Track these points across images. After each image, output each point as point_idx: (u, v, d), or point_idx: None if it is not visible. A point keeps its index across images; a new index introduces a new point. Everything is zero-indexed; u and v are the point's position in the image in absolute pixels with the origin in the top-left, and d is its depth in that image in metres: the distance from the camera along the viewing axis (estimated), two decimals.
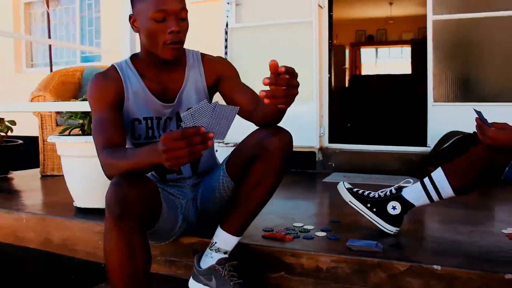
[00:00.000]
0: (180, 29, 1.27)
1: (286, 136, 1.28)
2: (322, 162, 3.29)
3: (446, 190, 1.50)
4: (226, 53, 3.33)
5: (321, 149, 3.31)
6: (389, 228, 1.59)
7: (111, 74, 1.36)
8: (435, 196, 1.52)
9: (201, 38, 3.30)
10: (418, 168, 2.95)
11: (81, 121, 1.91)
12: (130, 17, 1.34)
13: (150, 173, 1.42)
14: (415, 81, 5.44)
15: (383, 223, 1.60)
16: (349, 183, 1.73)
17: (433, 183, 1.52)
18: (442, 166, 1.54)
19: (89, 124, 1.86)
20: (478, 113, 1.29)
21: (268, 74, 0.99)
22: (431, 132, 3.07)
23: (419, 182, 1.57)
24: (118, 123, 1.30)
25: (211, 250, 1.40)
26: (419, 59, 6.54)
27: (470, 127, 2.70)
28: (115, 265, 1.11)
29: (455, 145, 2.81)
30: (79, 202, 1.90)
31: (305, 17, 3.21)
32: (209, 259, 1.40)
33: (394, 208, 1.59)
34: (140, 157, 1.10)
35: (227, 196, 1.42)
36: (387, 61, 8.46)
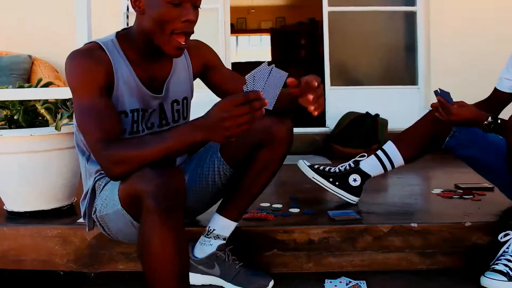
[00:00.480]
0: (193, 23, 1.12)
1: (290, 125, 1.31)
2: None
3: (398, 160, 1.72)
4: None
5: None
6: (352, 199, 1.76)
7: (98, 54, 1.15)
8: (388, 166, 1.74)
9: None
10: (323, 147, 3.27)
11: (6, 112, 1.61)
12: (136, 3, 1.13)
13: None
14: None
15: (347, 194, 1.76)
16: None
17: (386, 154, 1.74)
18: (392, 139, 1.77)
19: (24, 115, 1.58)
20: (444, 93, 1.51)
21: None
22: (330, 113, 3.39)
23: (373, 155, 1.78)
24: (114, 112, 1.14)
25: (209, 237, 1.37)
26: (278, 46, 7.16)
27: (362, 108, 3.22)
28: (165, 263, 1.00)
29: (352, 124, 3.20)
30: (13, 206, 1.61)
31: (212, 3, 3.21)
32: (207, 247, 1.36)
33: (354, 180, 1.76)
34: (175, 139, 1.00)
35: (222, 184, 1.37)
36: (247, 48, 8.80)
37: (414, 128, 1.74)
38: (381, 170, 1.76)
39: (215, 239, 1.36)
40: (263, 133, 1.27)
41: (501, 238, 1.41)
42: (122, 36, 1.22)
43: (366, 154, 1.82)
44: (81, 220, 1.50)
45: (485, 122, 1.46)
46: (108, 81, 1.15)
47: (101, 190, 1.24)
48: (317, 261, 1.49)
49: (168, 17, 1.08)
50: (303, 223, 1.51)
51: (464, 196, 1.86)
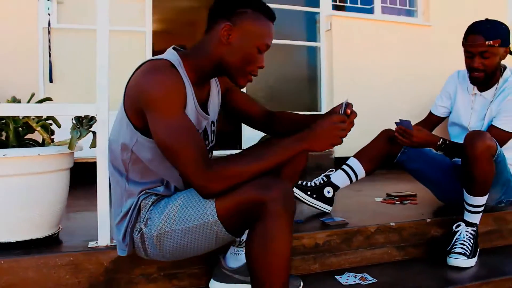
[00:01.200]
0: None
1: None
2: None
3: (361, 173, 2.06)
4: (50, 55, 2.90)
5: None
6: (327, 208, 2.02)
7: (175, 73, 1.18)
8: (353, 178, 2.06)
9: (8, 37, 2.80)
10: None
11: None
12: (225, 25, 1.21)
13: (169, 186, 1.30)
14: None
15: (323, 204, 2.01)
16: None
17: (351, 168, 2.06)
18: (354, 155, 2.09)
19: (15, 135, 1.42)
20: (405, 122, 1.87)
21: None
22: (245, 137, 3.63)
23: (340, 169, 2.08)
24: (201, 137, 1.22)
25: (242, 247, 1.45)
26: None
27: None
28: (285, 261, 1.13)
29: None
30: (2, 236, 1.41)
31: (139, 26, 3.21)
32: (241, 256, 1.44)
33: (328, 192, 2.03)
34: (283, 150, 1.15)
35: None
36: None
37: (371, 145, 2.09)
38: (348, 182, 2.06)
39: (243, 247, 1.45)
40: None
41: (455, 228, 1.84)
42: (185, 56, 1.26)
43: (334, 169, 2.11)
44: (100, 243, 1.43)
45: (438, 143, 1.89)
46: (184, 103, 1.20)
47: (148, 209, 1.24)
48: (322, 262, 1.69)
49: (253, 59, 1.24)
50: (311, 230, 1.70)
51: (403, 202, 2.28)
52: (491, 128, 1.88)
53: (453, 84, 2.16)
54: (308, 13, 3.95)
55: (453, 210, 1.97)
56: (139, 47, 3.19)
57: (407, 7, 4.22)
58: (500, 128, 1.86)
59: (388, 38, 3.92)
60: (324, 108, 3.88)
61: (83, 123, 1.41)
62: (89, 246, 1.43)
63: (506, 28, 1.91)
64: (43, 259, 1.35)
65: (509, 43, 1.92)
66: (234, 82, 1.28)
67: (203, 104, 1.34)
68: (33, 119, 1.45)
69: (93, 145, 1.42)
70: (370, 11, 4.05)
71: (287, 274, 1.13)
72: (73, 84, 2.98)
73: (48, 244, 1.46)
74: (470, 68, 1.95)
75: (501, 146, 1.80)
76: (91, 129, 1.44)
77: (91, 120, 1.42)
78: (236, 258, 1.45)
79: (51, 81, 2.90)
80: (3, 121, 1.43)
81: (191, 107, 1.24)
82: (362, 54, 3.81)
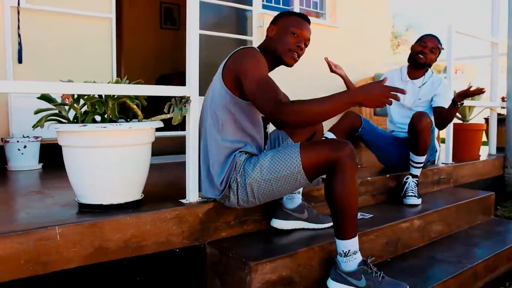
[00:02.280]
0: (302, 50, 1.85)
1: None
2: None
3: None
4: (19, 36, 2.87)
5: None
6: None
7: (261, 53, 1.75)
8: None
9: None
10: None
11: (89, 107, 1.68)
12: (270, 26, 1.83)
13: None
14: None
15: None
16: None
17: None
18: (328, 130, 2.77)
19: (113, 111, 1.68)
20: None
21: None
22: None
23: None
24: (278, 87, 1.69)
25: (293, 193, 2.00)
26: None
27: None
28: (356, 198, 1.66)
29: None
30: (99, 199, 1.68)
31: (104, 12, 3.34)
32: (296, 200, 2.00)
33: None
34: (342, 99, 1.51)
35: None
36: None
37: (341, 121, 2.79)
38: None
39: (298, 194, 2.01)
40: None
41: (405, 179, 2.65)
42: (262, 50, 1.82)
43: None
44: (192, 200, 1.82)
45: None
46: None
47: (242, 164, 1.72)
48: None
49: (289, 40, 1.82)
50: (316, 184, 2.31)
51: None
52: (436, 107, 2.77)
53: (394, 75, 2.99)
54: (241, 10, 4.48)
55: (392, 170, 2.80)
56: (104, 32, 3.33)
57: (318, 10, 5.08)
58: (442, 106, 2.75)
59: None
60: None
61: (178, 102, 1.76)
62: (184, 202, 1.81)
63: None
64: (157, 214, 1.69)
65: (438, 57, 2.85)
66: (284, 62, 1.84)
67: None
68: (129, 98, 1.74)
69: (175, 121, 1.78)
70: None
71: (357, 205, 1.69)
72: (41, 65, 3.01)
73: (142, 205, 1.78)
74: (418, 51, 2.80)
75: (441, 119, 2.70)
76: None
77: (182, 99, 1.78)
78: (292, 202, 1.99)
79: (20, 62, 2.89)
80: (101, 99, 1.69)
81: None
82: None
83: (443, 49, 2.85)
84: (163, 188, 2.25)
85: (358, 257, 1.70)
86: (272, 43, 1.84)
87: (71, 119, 1.72)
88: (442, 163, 3.24)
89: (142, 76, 3.34)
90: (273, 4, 4.66)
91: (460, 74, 17.34)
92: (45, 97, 1.70)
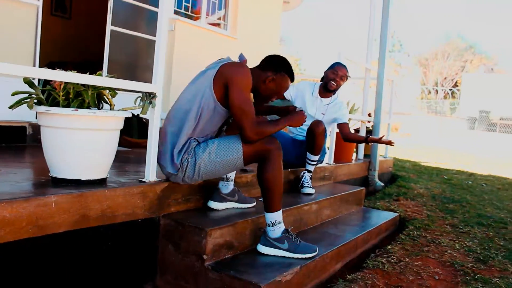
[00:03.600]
0: None
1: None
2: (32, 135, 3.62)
3: None
4: None
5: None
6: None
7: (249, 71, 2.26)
8: None
9: None
10: None
11: (61, 96, 2.00)
12: (269, 75, 2.35)
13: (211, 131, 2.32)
14: None
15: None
16: None
17: None
18: None
19: (93, 99, 2.02)
20: None
21: None
22: None
23: None
24: None
25: (228, 181, 2.55)
26: None
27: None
28: (282, 178, 2.25)
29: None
30: (74, 174, 2.00)
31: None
32: (230, 186, 2.55)
33: None
34: (282, 123, 2.29)
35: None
36: None
37: None
38: None
39: (231, 181, 2.56)
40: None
41: (302, 174, 3.39)
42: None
43: None
44: (151, 179, 2.24)
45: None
46: None
47: (193, 148, 2.22)
48: (249, 191, 2.91)
49: (273, 96, 2.48)
50: (243, 173, 2.89)
51: None
52: (341, 124, 3.58)
53: (304, 87, 3.70)
54: (155, 13, 4.85)
55: (291, 166, 3.53)
56: (28, 20, 3.44)
57: (222, 21, 5.68)
58: (345, 122, 3.56)
59: (210, 43, 5.28)
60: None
61: (146, 97, 2.18)
62: (144, 180, 2.22)
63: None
64: (128, 189, 2.08)
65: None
66: (261, 98, 2.46)
67: None
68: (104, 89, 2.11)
69: (145, 112, 2.21)
70: (198, 19, 5.30)
71: (282, 184, 2.30)
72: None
73: (111, 181, 2.15)
74: (332, 79, 3.53)
75: (348, 131, 3.51)
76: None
77: (150, 94, 2.20)
78: (227, 188, 2.53)
79: None
80: (85, 89, 2.04)
81: None
82: (194, 53, 5.03)
83: (350, 77, 3.65)
84: (124, 168, 2.59)
85: (282, 226, 2.31)
86: (261, 86, 2.37)
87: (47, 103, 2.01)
88: (327, 163, 4.09)
89: (30, 60, 3.48)
90: (182, 10, 5.12)
91: None
92: (28, 82, 1.97)
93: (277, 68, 2.37)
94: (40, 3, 3.50)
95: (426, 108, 24.30)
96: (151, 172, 2.25)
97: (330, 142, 4.17)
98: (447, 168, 7.92)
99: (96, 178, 2.06)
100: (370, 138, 3.60)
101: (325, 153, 3.72)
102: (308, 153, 3.38)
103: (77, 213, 1.87)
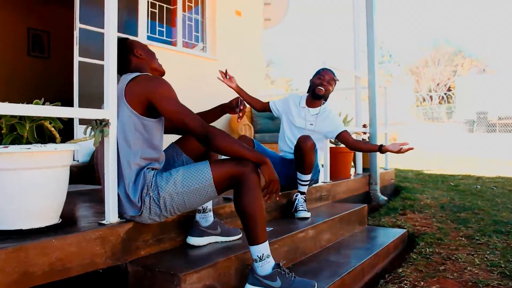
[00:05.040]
0: None
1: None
2: None
3: None
4: None
5: None
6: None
7: None
8: None
9: None
10: (83, 176, 3.83)
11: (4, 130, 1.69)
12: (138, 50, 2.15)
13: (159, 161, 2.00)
14: None
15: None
16: None
17: None
18: None
19: (31, 133, 1.71)
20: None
21: None
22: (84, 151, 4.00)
23: None
24: None
25: (206, 212, 2.22)
26: None
27: None
28: (262, 205, 1.92)
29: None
30: (7, 224, 1.67)
31: None
32: (209, 218, 2.22)
33: None
34: (251, 153, 1.92)
35: None
36: None
37: None
38: None
39: (210, 212, 2.23)
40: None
41: (295, 197, 3.05)
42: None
43: None
44: (112, 220, 1.91)
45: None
46: None
47: (151, 180, 1.90)
48: (234, 222, 2.57)
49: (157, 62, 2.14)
50: (226, 202, 2.56)
51: None
52: (341, 134, 3.26)
53: (292, 99, 3.42)
54: None
55: (282, 189, 3.19)
56: None
57: (200, 43, 5.44)
58: (343, 130, 3.25)
59: (189, 66, 5.02)
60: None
61: (96, 125, 1.87)
62: (104, 223, 1.89)
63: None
64: (82, 235, 1.75)
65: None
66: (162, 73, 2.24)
67: None
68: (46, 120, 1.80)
69: (96, 143, 1.89)
70: (172, 43, 5.05)
71: (264, 211, 1.95)
72: None
73: (63, 227, 1.82)
74: (319, 84, 3.26)
75: (352, 139, 3.21)
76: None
77: (101, 122, 1.89)
78: (206, 220, 2.20)
79: None
80: (20, 121, 1.73)
81: None
82: (171, 78, 4.74)
83: (338, 80, 3.37)
84: (82, 210, 2.26)
85: (271, 261, 1.97)
86: (146, 62, 2.16)
87: None
88: (322, 182, 3.75)
89: (11, 101, 3.20)
90: (157, 36, 4.87)
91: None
92: None
93: (124, 48, 2.14)
94: None
95: (422, 116, 24.05)
96: (111, 212, 1.92)
97: (324, 158, 3.85)
98: (452, 174, 7.57)
99: (42, 225, 1.73)
100: (385, 148, 3.22)
101: (319, 171, 3.39)
102: (298, 173, 3.06)
103: (16, 272, 1.53)
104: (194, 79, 5.06)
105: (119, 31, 4.46)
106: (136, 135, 1.90)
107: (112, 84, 1.94)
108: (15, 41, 6.17)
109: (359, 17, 4.74)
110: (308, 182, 3.09)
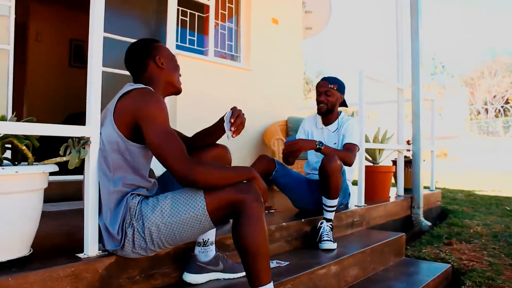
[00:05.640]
0: None
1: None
2: None
3: None
4: None
5: None
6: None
7: (160, 95, 1.68)
8: None
9: None
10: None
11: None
12: (157, 57, 1.83)
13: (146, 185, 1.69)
14: None
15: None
16: None
17: None
18: None
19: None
20: (290, 138, 2.67)
21: None
22: None
23: None
24: None
25: (207, 246, 1.90)
26: None
27: None
28: (266, 239, 1.59)
29: None
30: None
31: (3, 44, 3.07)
32: (210, 252, 1.90)
33: None
34: (242, 172, 1.64)
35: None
36: None
37: (254, 165, 2.78)
38: None
39: (211, 245, 1.91)
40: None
41: (320, 224, 2.67)
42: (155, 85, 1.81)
43: None
44: (91, 253, 1.64)
45: (316, 143, 2.72)
46: None
47: (136, 208, 1.61)
48: None
49: (177, 68, 1.87)
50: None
51: (270, 211, 3.03)
52: (345, 144, 2.85)
53: (308, 123, 3.08)
54: None
55: (307, 213, 2.83)
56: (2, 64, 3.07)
57: (233, 53, 5.18)
58: (350, 142, 2.85)
59: (220, 77, 4.76)
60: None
61: (75, 144, 1.61)
62: (81, 257, 1.62)
63: (343, 83, 2.98)
64: (48, 272, 1.48)
65: (343, 93, 2.96)
66: (177, 91, 1.90)
67: None
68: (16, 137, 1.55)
69: (78, 164, 1.63)
70: (204, 53, 4.82)
71: (269, 246, 1.63)
72: None
73: (31, 262, 1.56)
74: (318, 101, 2.93)
75: (353, 155, 2.76)
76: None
77: (80, 141, 1.63)
78: (206, 255, 1.89)
79: None
80: None
81: None
82: (202, 89, 4.51)
83: (336, 86, 2.95)
84: (58, 240, 2.01)
85: None
86: (165, 74, 1.82)
87: None
88: (355, 206, 3.34)
89: (49, 114, 3.02)
90: (187, 45, 4.66)
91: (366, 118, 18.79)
92: None
93: (146, 50, 1.82)
94: (11, 48, 3.09)
95: (476, 129, 22.64)
96: (90, 244, 1.65)
97: (358, 178, 3.44)
98: (508, 196, 6.82)
99: (9, 258, 1.48)
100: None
101: (349, 194, 2.99)
102: (323, 197, 2.68)
103: None
104: (226, 90, 4.79)
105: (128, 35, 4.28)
106: (118, 158, 1.63)
107: (94, 96, 1.68)
108: (58, 52, 6.22)
109: (402, 23, 4.30)
110: (334, 208, 2.70)
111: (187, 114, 4.35)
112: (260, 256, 1.59)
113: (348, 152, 2.79)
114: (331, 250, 2.57)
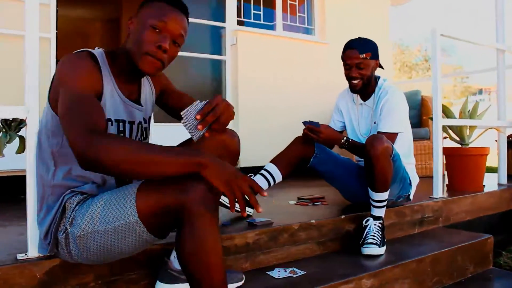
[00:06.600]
0: (168, 51, 1.32)
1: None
2: None
3: (278, 177, 2.26)
4: None
5: None
6: (250, 211, 2.17)
7: (92, 61, 1.28)
8: (272, 182, 2.24)
9: None
10: None
11: None
12: (129, 18, 1.34)
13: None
14: None
15: (247, 208, 2.15)
16: None
17: (270, 173, 2.24)
18: (270, 161, 2.29)
19: None
20: (313, 122, 2.14)
21: None
22: None
23: (258, 174, 2.25)
24: (102, 110, 1.22)
25: None
26: None
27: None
28: (218, 258, 1.16)
29: None
30: None
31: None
32: None
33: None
34: (181, 155, 1.12)
35: None
36: None
37: (287, 151, 2.30)
38: (267, 186, 2.23)
39: None
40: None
41: (365, 223, 2.11)
42: (109, 53, 1.38)
43: (252, 174, 2.26)
44: (31, 255, 1.38)
45: (342, 140, 2.17)
46: (100, 87, 1.29)
47: (73, 209, 1.27)
48: (252, 260, 1.82)
49: (145, 39, 1.29)
50: (240, 230, 1.82)
51: (315, 203, 2.53)
52: (378, 134, 2.16)
53: (342, 99, 2.50)
54: (214, 27, 4.13)
55: (359, 207, 2.28)
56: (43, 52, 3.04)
57: (306, 26, 4.65)
58: (384, 132, 2.20)
59: (289, 53, 4.28)
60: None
61: (11, 127, 1.36)
62: (18, 258, 1.37)
63: (375, 44, 2.31)
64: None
65: (378, 57, 2.30)
66: (139, 70, 1.32)
67: (136, 100, 1.46)
68: None
69: (21, 150, 1.38)
70: (272, 27, 4.38)
71: (223, 271, 1.18)
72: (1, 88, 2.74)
73: None
74: (349, 77, 2.30)
75: (387, 153, 2.11)
76: (19, 133, 1.39)
77: (20, 123, 1.37)
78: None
79: None
80: None
81: (113, 97, 1.34)
82: (266, 68, 4.10)
83: (370, 54, 2.26)
84: (12, 235, 1.78)
85: None
86: (128, 44, 1.34)
87: None
88: (429, 198, 2.66)
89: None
90: (252, 20, 4.27)
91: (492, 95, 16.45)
92: None
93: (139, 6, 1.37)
94: (53, 36, 3.02)
95: None
96: (30, 242, 1.40)
97: (434, 163, 2.73)
98: None
99: None
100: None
101: (409, 183, 2.34)
102: (369, 189, 2.11)
103: None
104: (299, 67, 4.30)
105: (204, 18, 4.01)
106: (56, 144, 1.30)
107: (31, 70, 1.40)
108: None
109: None
110: (384, 203, 2.11)
111: (249, 96, 3.99)
112: (205, 280, 1.15)
113: None
114: (376, 256, 2.01)
